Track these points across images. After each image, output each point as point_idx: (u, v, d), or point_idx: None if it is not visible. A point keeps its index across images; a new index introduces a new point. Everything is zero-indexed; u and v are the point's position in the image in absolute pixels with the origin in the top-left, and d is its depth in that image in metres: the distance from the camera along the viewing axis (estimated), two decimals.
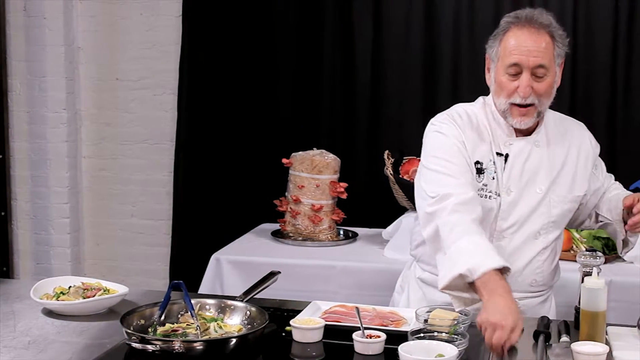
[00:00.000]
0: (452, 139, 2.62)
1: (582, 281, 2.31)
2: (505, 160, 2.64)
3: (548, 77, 2.58)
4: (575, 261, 2.49)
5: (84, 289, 2.64)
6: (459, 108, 2.73)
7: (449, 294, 2.41)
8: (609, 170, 3.84)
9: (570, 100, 4.41)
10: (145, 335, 2.17)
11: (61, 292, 2.62)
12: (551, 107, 4.26)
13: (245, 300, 2.47)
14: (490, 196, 2.62)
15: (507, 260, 2.39)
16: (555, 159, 2.68)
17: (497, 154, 2.64)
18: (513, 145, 2.65)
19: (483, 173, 2.62)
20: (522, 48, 2.53)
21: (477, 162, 2.62)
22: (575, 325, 2.39)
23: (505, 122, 2.65)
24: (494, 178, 2.62)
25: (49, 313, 2.56)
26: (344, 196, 4.21)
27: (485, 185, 2.62)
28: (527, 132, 2.68)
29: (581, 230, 3.87)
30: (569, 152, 2.72)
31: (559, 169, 2.68)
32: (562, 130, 2.75)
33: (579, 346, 2.11)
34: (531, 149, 2.66)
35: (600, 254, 2.42)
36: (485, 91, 4.27)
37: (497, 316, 2.19)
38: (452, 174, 2.56)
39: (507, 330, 2.16)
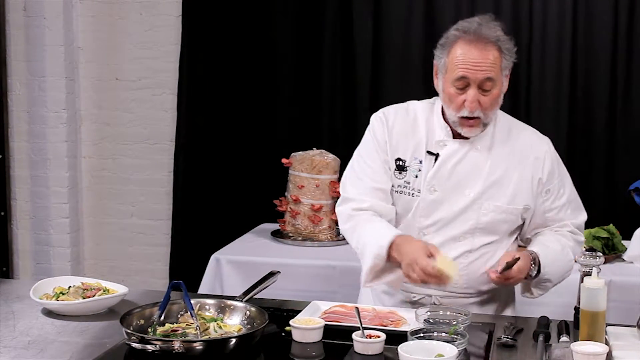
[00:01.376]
0: (375, 139, 2.75)
1: (582, 281, 2.31)
2: (435, 159, 2.67)
3: (495, 90, 2.59)
4: (575, 261, 2.49)
5: (84, 289, 2.64)
6: (405, 104, 2.83)
7: (374, 285, 2.67)
8: (608, 169, 3.85)
9: (570, 100, 4.41)
10: (145, 335, 2.17)
11: (61, 292, 2.62)
12: (550, 106, 4.25)
13: (244, 300, 2.47)
14: (412, 193, 2.68)
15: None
16: (496, 167, 2.66)
17: (429, 152, 2.68)
18: (447, 146, 2.67)
19: (405, 171, 2.69)
20: (469, 62, 2.56)
21: (398, 159, 2.70)
22: (575, 325, 2.40)
23: (445, 124, 2.69)
24: (416, 176, 2.67)
25: (49, 313, 2.56)
26: None
27: (408, 183, 2.69)
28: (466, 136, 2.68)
29: None
30: (517, 163, 2.68)
31: (498, 177, 2.66)
32: (516, 140, 2.73)
33: (579, 346, 2.11)
34: (467, 152, 2.66)
35: (600, 254, 2.42)
36: None
37: (407, 256, 2.46)
38: (362, 177, 2.74)
39: (421, 258, 2.41)
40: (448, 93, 2.63)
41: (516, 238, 2.80)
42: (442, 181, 2.65)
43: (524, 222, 2.75)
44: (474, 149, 2.67)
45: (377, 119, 2.79)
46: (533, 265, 2.60)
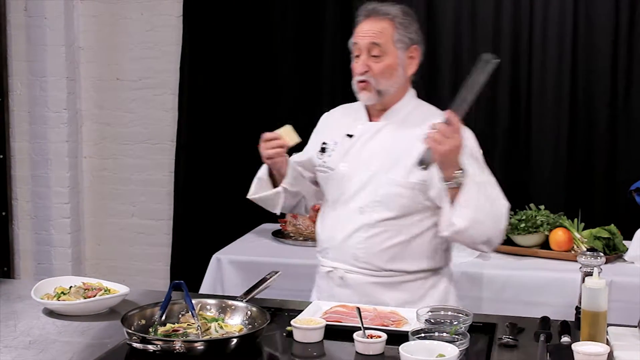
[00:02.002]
0: (316, 130, 3.12)
1: (583, 281, 2.31)
2: (351, 139, 2.93)
3: (385, 58, 2.82)
4: (576, 261, 2.49)
5: (85, 289, 2.65)
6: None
7: (255, 197, 3.06)
8: (609, 169, 3.81)
9: (571, 100, 4.40)
10: (146, 335, 2.18)
11: (62, 292, 2.62)
12: (550, 107, 4.24)
13: (246, 300, 2.47)
14: (327, 171, 2.95)
15: (331, 229, 2.88)
16: (399, 144, 2.83)
17: (347, 135, 2.94)
18: (361, 127, 2.92)
19: (325, 152, 2.98)
20: (361, 31, 2.85)
21: (323, 143, 3.00)
22: (576, 325, 2.39)
23: (363, 110, 2.95)
24: (330, 155, 2.95)
25: (50, 313, 2.56)
26: None
27: (325, 162, 2.96)
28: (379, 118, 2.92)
29: (583, 230, 3.87)
30: (421, 142, 2.74)
31: (399, 153, 2.81)
32: (425, 122, 2.80)
33: (580, 346, 2.11)
34: (377, 132, 2.89)
35: (601, 253, 2.41)
36: (483, 90, 4.25)
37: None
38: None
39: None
40: (352, 67, 2.88)
41: (435, 230, 2.79)
42: (352, 158, 2.89)
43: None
44: (384, 129, 2.88)
45: (324, 114, 3.16)
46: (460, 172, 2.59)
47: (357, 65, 2.84)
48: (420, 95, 4.71)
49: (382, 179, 2.80)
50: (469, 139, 2.81)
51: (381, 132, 2.88)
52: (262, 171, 3.04)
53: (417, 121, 2.84)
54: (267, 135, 2.88)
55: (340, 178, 2.89)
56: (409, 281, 2.83)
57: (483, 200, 2.63)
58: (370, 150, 2.86)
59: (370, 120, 2.93)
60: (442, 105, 4.55)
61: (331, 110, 3.13)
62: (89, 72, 5.20)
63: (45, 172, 5.14)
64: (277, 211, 3.10)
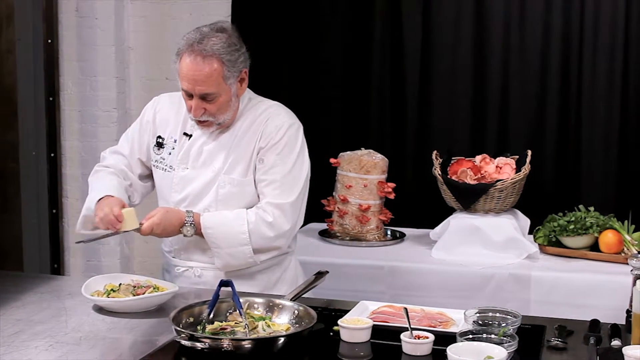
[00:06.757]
0: (141, 119, 3.09)
1: (634, 284, 2.29)
2: (189, 140, 2.97)
3: (219, 98, 2.82)
4: (627, 263, 2.46)
5: (134, 287, 2.68)
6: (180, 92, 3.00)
7: (87, 234, 2.94)
8: None
9: (622, 101, 4.31)
10: (194, 333, 2.19)
11: (112, 290, 2.66)
12: (602, 105, 4.17)
13: (293, 299, 2.48)
14: (165, 169, 3.00)
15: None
16: (237, 145, 2.92)
17: (184, 133, 2.98)
18: (199, 130, 2.96)
19: (163, 147, 3.01)
20: (189, 76, 2.78)
21: (159, 137, 3.03)
22: (627, 328, 2.37)
23: None
24: (170, 153, 2.98)
25: (100, 310, 2.59)
26: (392, 196, 4.20)
27: (163, 159, 3.00)
28: None
29: (633, 232, 3.82)
30: (252, 139, 2.92)
31: (237, 154, 2.91)
32: (258, 119, 2.96)
33: (631, 350, 2.09)
34: (216, 132, 2.94)
35: None
36: (532, 89, 4.21)
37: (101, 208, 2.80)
38: (117, 145, 3.13)
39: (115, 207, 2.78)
40: (182, 96, 2.88)
41: None
42: (192, 159, 2.95)
43: None
44: (222, 129, 2.94)
45: (150, 102, 3.12)
46: (188, 224, 2.84)
47: (192, 109, 2.82)
48: (467, 96, 4.68)
49: (222, 180, 2.91)
50: (279, 126, 2.93)
51: (219, 133, 2.94)
52: (88, 208, 2.90)
53: (250, 119, 2.94)
54: (110, 217, 2.75)
55: (181, 179, 2.95)
56: (265, 268, 2.96)
57: (228, 233, 2.83)
58: (209, 151, 2.94)
59: None
60: (488, 102, 4.52)
61: (158, 98, 3.10)
62: (139, 72, 5.25)
63: None
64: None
